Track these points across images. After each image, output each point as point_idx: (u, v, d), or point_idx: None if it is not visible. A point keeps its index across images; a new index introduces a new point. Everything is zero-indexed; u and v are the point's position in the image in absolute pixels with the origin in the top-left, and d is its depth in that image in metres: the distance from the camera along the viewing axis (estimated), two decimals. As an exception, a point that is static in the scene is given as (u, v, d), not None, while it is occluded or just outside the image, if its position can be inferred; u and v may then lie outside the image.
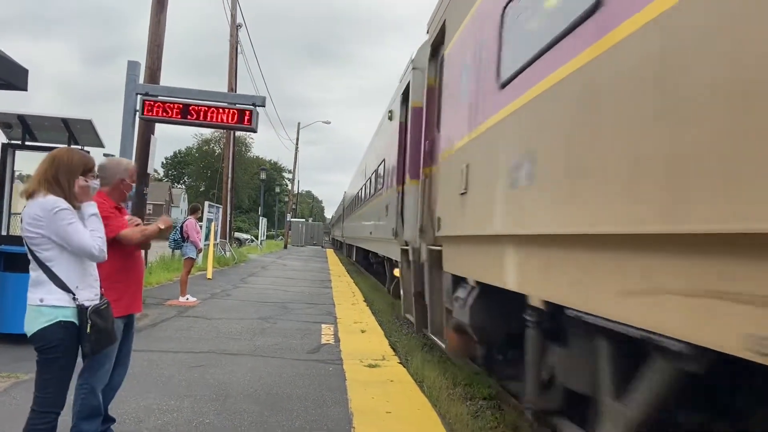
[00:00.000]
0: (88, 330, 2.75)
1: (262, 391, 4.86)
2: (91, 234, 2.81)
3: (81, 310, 2.76)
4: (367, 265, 19.95)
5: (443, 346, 5.64)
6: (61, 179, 2.80)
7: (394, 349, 6.93)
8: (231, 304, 10.22)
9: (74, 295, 2.75)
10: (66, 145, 6.39)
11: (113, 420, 3.55)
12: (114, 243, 3.39)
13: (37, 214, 2.71)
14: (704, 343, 1.78)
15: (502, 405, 5.40)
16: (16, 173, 6.87)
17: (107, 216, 3.37)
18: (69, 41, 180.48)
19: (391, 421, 4.27)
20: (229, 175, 24.04)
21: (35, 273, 2.76)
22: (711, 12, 1.75)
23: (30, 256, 2.77)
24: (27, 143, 7.02)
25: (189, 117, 8.04)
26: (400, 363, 6.21)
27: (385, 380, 5.42)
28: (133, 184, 3.73)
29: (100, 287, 2.96)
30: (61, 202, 2.75)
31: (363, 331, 8.04)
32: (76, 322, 2.75)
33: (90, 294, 2.84)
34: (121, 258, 3.45)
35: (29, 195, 2.79)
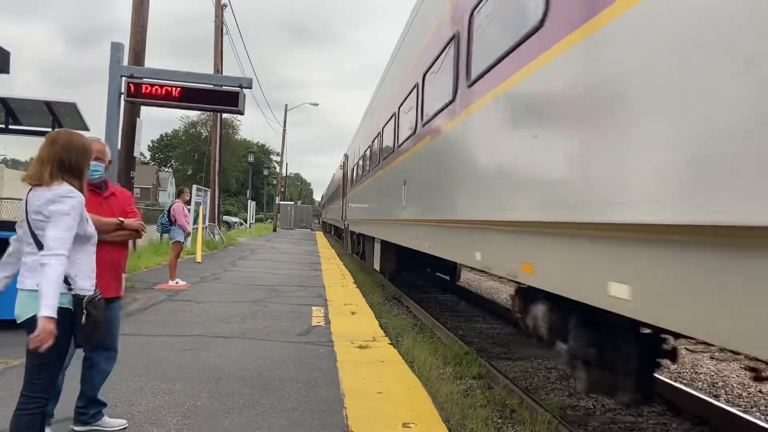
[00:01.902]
0: (84, 320, 2.72)
1: (254, 373, 4.89)
2: (63, 242, 2.60)
3: (77, 299, 2.73)
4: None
5: None
6: (75, 167, 2.74)
7: (384, 331, 6.98)
8: (221, 288, 10.21)
9: (71, 285, 2.72)
10: (66, 129, 6.28)
11: (104, 404, 3.55)
12: None
13: (48, 199, 2.64)
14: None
15: (491, 384, 5.48)
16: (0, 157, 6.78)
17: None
18: (51, 21, 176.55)
19: (383, 401, 4.32)
20: (217, 158, 23.82)
21: (33, 258, 2.66)
22: None
23: (32, 240, 2.67)
24: (10, 127, 6.92)
25: (175, 99, 7.95)
26: (390, 344, 6.26)
27: (376, 361, 5.47)
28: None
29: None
30: (77, 195, 2.69)
31: (353, 313, 8.09)
32: (72, 309, 2.72)
33: (87, 284, 2.82)
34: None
35: (42, 182, 2.68)
